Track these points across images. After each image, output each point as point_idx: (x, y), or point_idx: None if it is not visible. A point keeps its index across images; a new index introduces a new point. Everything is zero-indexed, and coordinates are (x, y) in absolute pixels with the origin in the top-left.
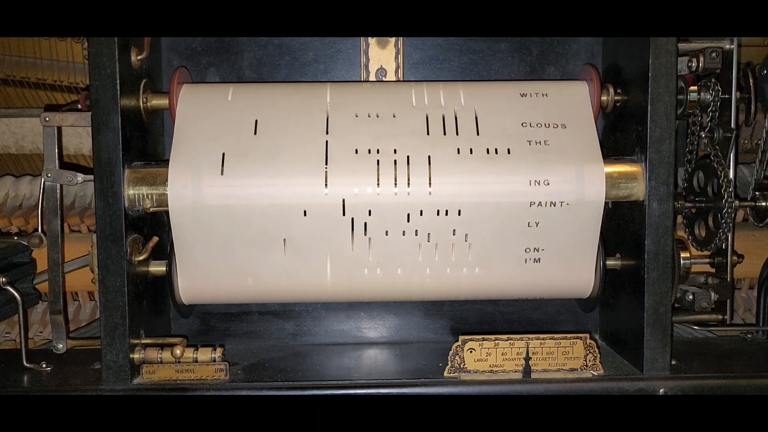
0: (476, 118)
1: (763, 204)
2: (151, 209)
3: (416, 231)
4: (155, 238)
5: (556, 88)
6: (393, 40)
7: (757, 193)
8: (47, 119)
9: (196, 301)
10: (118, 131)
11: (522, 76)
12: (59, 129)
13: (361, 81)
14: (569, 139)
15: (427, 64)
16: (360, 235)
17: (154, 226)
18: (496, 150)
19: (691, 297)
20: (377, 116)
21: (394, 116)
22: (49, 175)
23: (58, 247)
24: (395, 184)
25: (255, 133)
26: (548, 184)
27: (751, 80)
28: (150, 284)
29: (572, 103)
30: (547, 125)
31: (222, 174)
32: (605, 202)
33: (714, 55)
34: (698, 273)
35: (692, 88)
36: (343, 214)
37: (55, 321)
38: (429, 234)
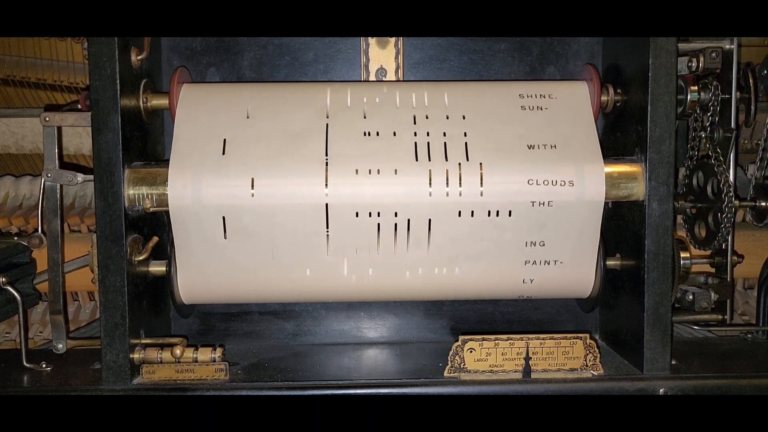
0: (481, 178)
1: (763, 204)
2: (151, 209)
3: (414, 290)
4: (155, 238)
5: (567, 133)
6: (393, 40)
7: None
8: (47, 119)
9: (196, 301)
10: (118, 131)
11: (522, 76)
12: (59, 129)
13: (361, 80)
14: (575, 198)
15: (427, 64)
16: (362, 281)
17: (154, 226)
18: (497, 213)
19: (691, 297)
20: (378, 172)
21: (395, 172)
22: (49, 175)
23: (58, 247)
24: (395, 247)
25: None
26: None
27: (751, 80)
28: (150, 284)
29: (582, 153)
30: (554, 182)
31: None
32: (605, 202)
33: (714, 55)
34: (698, 273)
35: (692, 88)
36: (345, 273)
37: (55, 321)
38: (428, 288)
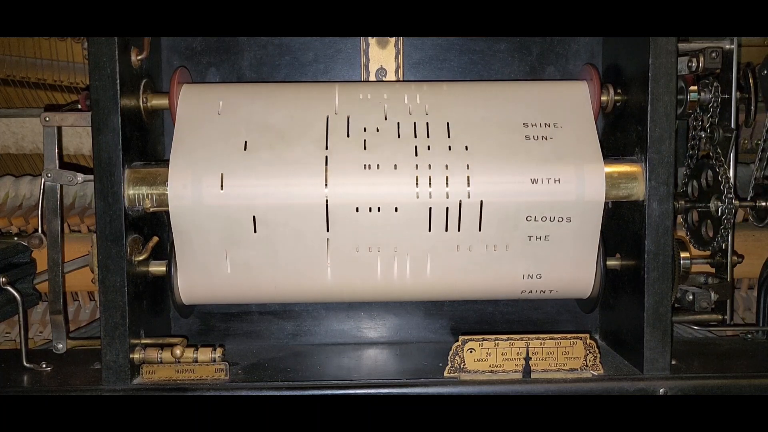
0: (481, 214)
1: (763, 204)
2: (151, 209)
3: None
4: (155, 238)
5: (572, 164)
6: (393, 40)
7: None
8: (47, 119)
9: (196, 301)
10: (118, 131)
11: (522, 76)
12: (59, 129)
13: (361, 83)
14: (572, 233)
15: (427, 64)
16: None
17: (154, 226)
18: (495, 247)
19: (691, 297)
20: (378, 210)
21: (396, 210)
22: (49, 175)
23: (58, 247)
24: (395, 278)
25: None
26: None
27: (751, 80)
28: (150, 284)
29: (586, 182)
30: (552, 219)
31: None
32: (605, 202)
33: (714, 55)
34: (698, 273)
35: (692, 88)
36: (345, 296)
37: (55, 321)
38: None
